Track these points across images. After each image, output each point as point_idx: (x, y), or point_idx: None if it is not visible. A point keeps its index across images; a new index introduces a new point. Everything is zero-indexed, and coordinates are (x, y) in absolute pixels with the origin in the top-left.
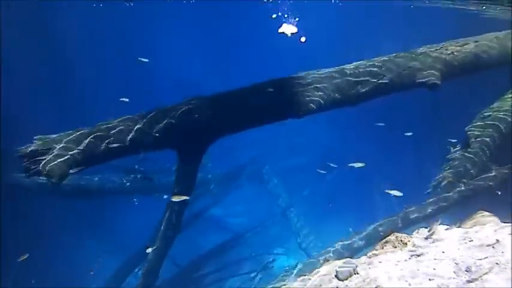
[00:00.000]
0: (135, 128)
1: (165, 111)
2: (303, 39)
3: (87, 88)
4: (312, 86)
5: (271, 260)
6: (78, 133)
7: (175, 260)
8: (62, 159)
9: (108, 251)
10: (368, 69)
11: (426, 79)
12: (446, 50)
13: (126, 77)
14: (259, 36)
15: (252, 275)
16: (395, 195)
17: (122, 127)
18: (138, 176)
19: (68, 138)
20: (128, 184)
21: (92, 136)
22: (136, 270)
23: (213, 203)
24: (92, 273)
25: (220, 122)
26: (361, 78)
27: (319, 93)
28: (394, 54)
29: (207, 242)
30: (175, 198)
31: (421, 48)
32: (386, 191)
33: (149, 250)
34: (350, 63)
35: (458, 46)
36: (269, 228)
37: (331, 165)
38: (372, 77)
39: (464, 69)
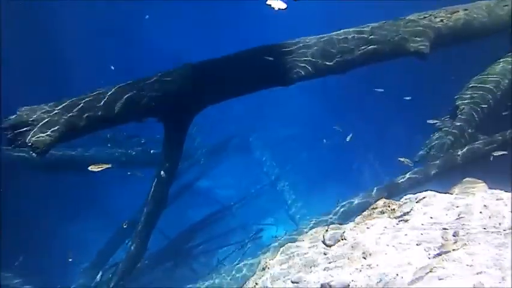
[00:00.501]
0: (120, 97)
1: (149, 81)
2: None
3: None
4: (299, 53)
5: (259, 230)
6: (62, 103)
7: (164, 232)
8: (47, 129)
9: (98, 225)
10: (356, 36)
11: (415, 47)
12: (435, 17)
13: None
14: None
15: (241, 245)
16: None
17: (107, 97)
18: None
19: (52, 109)
20: (118, 155)
21: (77, 106)
22: (126, 243)
23: (201, 174)
24: (70, 260)
25: (205, 91)
26: (349, 46)
27: (307, 60)
28: (383, 22)
29: (195, 214)
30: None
31: (410, 16)
32: (494, 153)
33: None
34: (338, 30)
35: (448, 14)
36: (258, 199)
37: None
38: (360, 45)
39: (453, 38)
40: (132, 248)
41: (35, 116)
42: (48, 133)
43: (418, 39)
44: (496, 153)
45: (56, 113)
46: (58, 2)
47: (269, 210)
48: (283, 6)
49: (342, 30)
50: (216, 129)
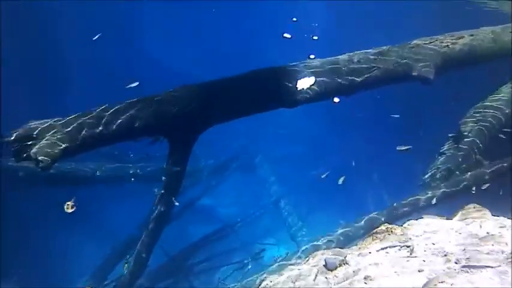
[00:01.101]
0: (126, 114)
1: (155, 99)
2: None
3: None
4: (305, 76)
5: (261, 250)
6: (68, 119)
7: (165, 249)
8: (52, 144)
9: (96, 240)
10: (362, 60)
11: (419, 72)
12: (441, 43)
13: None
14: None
15: (242, 264)
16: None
17: (113, 114)
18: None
19: (59, 124)
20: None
21: (83, 122)
22: (126, 259)
23: (203, 192)
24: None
25: (211, 111)
26: (354, 69)
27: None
28: (388, 46)
29: (197, 231)
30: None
31: (415, 41)
32: (398, 147)
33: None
34: (344, 54)
35: (454, 39)
36: (260, 218)
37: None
38: (365, 69)
39: (458, 63)
40: (132, 263)
41: (40, 130)
42: (53, 148)
43: (423, 64)
44: (483, 187)
45: (61, 127)
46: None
47: (271, 230)
48: (312, 81)
49: (347, 54)
50: (220, 147)
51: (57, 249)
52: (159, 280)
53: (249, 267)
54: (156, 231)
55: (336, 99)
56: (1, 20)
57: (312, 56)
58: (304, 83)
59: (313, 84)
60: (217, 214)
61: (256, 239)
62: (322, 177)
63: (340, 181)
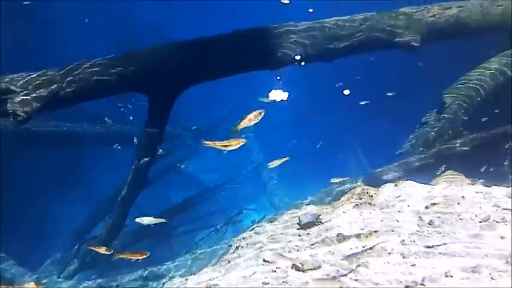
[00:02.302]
0: (106, 69)
1: (136, 55)
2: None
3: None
4: (288, 38)
5: (238, 212)
6: (45, 74)
7: (144, 211)
8: (28, 98)
9: (79, 200)
10: (347, 24)
11: (405, 40)
12: (428, 12)
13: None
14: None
15: (219, 226)
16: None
17: (92, 69)
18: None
19: (35, 79)
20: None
21: (60, 77)
22: (106, 218)
23: (186, 156)
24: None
25: (192, 68)
26: (339, 34)
27: (296, 45)
28: (374, 13)
29: (178, 196)
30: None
31: (403, 9)
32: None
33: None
34: (330, 18)
35: (441, 9)
36: (242, 185)
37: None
38: (350, 34)
39: (445, 34)
40: (110, 222)
41: (16, 85)
42: (29, 102)
43: (409, 32)
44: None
45: (39, 81)
46: None
47: (252, 197)
48: (285, 97)
49: (333, 18)
50: (204, 114)
51: (45, 213)
52: (138, 241)
53: (227, 229)
54: (133, 191)
55: (346, 92)
56: (1, 20)
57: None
58: (277, 96)
59: (286, 99)
60: (199, 179)
61: (237, 205)
62: (318, 146)
63: (318, 145)
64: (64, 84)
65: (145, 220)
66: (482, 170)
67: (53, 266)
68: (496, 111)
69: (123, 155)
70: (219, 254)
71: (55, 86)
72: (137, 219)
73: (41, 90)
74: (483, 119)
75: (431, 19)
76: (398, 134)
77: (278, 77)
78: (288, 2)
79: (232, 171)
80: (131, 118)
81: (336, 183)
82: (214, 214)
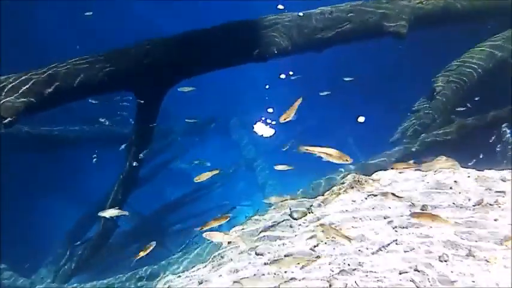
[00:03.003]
0: (91, 69)
1: (122, 52)
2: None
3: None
4: (277, 29)
5: (231, 207)
6: (30, 74)
7: (138, 211)
8: (14, 100)
9: (72, 202)
10: (335, 14)
11: (393, 27)
12: None
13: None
14: None
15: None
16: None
17: (77, 68)
18: None
19: (19, 80)
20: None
21: (46, 77)
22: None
23: (179, 154)
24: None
25: (179, 64)
26: (327, 24)
27: (284, 36)
28: (361, 1)
29: (173, 193)
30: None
31: None
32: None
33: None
34: (317, 9)
35: None
36: (236, 182)
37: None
38: (337, 23)
39: (432, 21)
40: (102, 224)
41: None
42: (13, 105)
43: (396, 19)
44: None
45: (23, 83)
46: None
47: (246, 193)
48: (271, 132)
49: (319, 8)
50: (196, 110)
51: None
52: (132, 241)
53: (221, 225)
54: (124, 191)
55: (361, 119)
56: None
57: (280, 7)
58: (262, 131)
59: (272, 135)
60: (193, 176)
61: (232, 201)
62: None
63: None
64: (47, 85)
65: (107, 213)
66: (475, 159)
67: (47, 270)
68: (476, 98)
69: (116, 156)
70: (213, 250)
71: (38, 87)
72: (100, 213)
73: (25, 92)
74: (459, 109)
75: (418, 6)
76: (390, 122)
77: (267, 86)
78: (282, 7)
79: (225, 168)
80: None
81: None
82: (209, 211)
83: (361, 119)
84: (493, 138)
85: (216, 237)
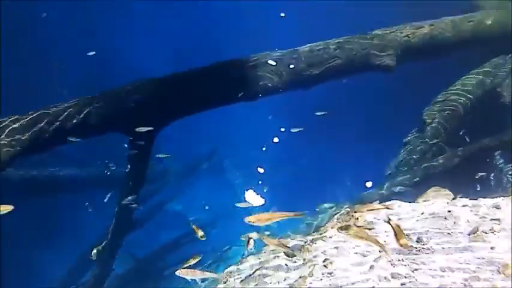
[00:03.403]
0: (83, 111)
1: (112, 94)
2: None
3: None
4: (265, 67)
5: (227, 247)
6: (22, 117)
7: (132, 253)
8: (6, 143)
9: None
10: (322, 50)
11: (380, 62)
12: (400, 32)
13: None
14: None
15: (208, 263)
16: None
17: (68, 111)
18: None
19: (12, 123)
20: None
21: (37, 120)
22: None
23: (173, 196)
24: None
25: (171, 104)
26: (315, 60)
27: (273, 74)
28: (348, 36)
29: (168, 236)
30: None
31: (376, 31)
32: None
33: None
34: (305, 46)
35: (413, 29)
36: (231, 221)
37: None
38: (325, 59)
39: (419, 53)
40: (97, 268)
41: None
42: (8, 146)
43: (384, 53)
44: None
45: (15, 125)
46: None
47: (242, 233)
48: (261, 202)
49: (307, 45)
50: (187, 151)
51: (32, 261)
52: (127, 284)
53: (218, 265)
54: (118, 234)
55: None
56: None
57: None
58: (253, 200)
59: (263, 204)
60: (187, 218)
61: (227, 242)
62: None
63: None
64: (41, 129)
65: None
66: (469, 188)
67: None
68: (462, 131)
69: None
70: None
71: (32, 130)
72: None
73: (22, 133)
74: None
75: (405, 39)
76: (382, 156)
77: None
78: (283, 15)
79: (220, 209)
80: None
81: (322, 209)
82: (205, 253)
83: (369, 184)
84: (486, 166)
85: (191, 274)
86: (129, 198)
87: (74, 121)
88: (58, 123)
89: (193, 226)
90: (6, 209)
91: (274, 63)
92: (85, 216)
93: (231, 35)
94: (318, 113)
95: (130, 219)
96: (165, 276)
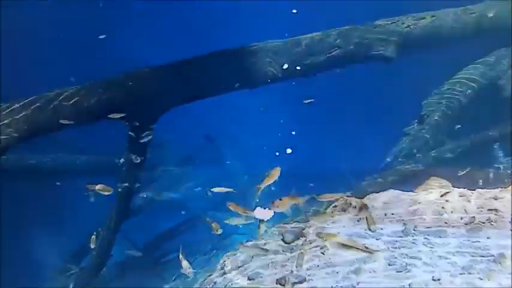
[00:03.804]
0: (82, 97)
1: (113, 80)
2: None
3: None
4: (266, 56)
5: (224, 237)
6: (23, 102)
7: (135, 241)
8: (5, 129)
9: (64, 234)
10: (323, 40)
11: (381, 52)
12: (402, 23)
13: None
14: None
15: (207, 251)
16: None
17: (68, 96)
18: None
19: (10, 108)
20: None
21: (36, 105)
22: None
23: (172, 184)
24: None
25: (171, 91)
26: (316, 49)
27: (273, 62)
28: (350, 26)
29: (167, 224)
30: None
31: (377, 21)
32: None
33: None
34: (306, 34)
35: (415, 19)
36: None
37: None
38: (326, 49)
39: (420, 43)
40: (95, 254)
41: None
42: (6, 133)
43: (385, 43)
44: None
45: (13, 111)
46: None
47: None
48: (271, 214)
49: (308, 34)
50: (187, 139)
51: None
52: (126, 270)
53: (214, 253)
54: (116, 220)
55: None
56: (1, 20)
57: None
58: (263, 215)
59: (272, 217)
60: (187, 206)
61: (227, 229)
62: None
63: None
64: (40, 114)
65: None
66: (462, 173)
67: None
68: (462, 123)
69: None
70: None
71: (31, 116)
72: None
73: (18, 120)
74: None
75: (406, 30)
76: (382, 145)
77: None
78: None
79: (219, 198)
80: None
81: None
82: (203, 240)
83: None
84: (485, 158)
85: None
86: (125, 184)
87: (74, 107)
88: (57, 109)
89: (212, 223)
90: None
91: (275, 50)
92: (84, 202)
93: (231, 35)
94: (306, 101)
95: (128, 206)
96: (164, 262)
